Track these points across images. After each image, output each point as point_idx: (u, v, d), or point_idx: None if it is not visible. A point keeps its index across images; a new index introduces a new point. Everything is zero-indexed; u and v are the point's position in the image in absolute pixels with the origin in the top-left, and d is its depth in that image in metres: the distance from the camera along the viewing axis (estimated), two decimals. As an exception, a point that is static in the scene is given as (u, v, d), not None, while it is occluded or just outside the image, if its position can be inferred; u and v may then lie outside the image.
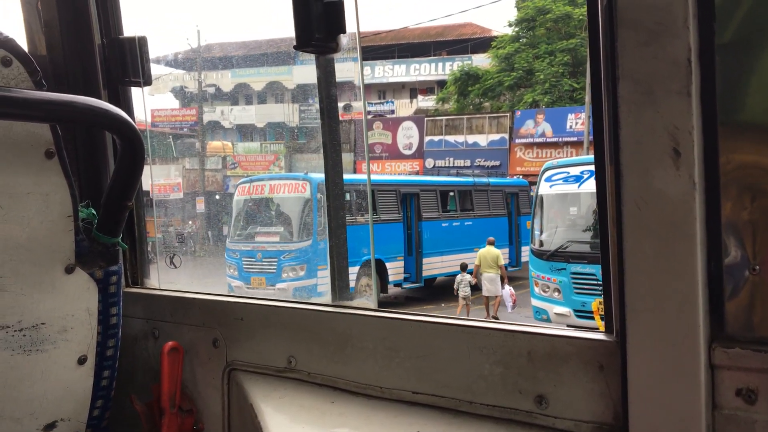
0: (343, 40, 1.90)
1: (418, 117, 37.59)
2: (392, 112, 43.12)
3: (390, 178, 26.15)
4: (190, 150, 37.99)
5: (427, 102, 43.23)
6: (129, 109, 2.32)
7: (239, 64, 45.44)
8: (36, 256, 1.71)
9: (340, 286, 1.98)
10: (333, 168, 2.01)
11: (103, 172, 2.23)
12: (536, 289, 14.50)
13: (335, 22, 1.88)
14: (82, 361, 1.85)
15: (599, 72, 1.34)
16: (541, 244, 14.65)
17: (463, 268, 18.06)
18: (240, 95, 47.93)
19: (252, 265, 18.60)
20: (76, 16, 2.20)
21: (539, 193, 14.96)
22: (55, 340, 1.78)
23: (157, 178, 31.28)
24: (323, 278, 17.22)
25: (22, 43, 1.88)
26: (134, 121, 1.85)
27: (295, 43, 1.87)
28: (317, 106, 2.09)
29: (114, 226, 1.86)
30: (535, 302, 14.63)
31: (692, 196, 1.18)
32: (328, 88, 1.99)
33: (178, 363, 2.06)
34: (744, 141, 1.23)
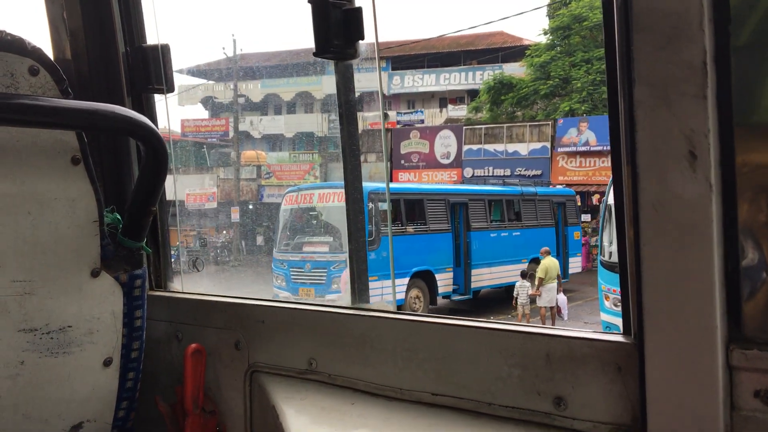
0: (362, 46, 1.92)
1: (457, 126, 36.90)
2: (422, 121, 42.75)
3: (439, 187, 25.53)
4: (224, 160, 38.32)
5: (457, 111, 42.85)
6: (152, 116, 2.36)
7: (270, 75, 45.79)
8: (63, 260, 1.75)
9: (359, 288, 1.99)
10: (352, 173, 2.02)
11: (127, 177, 2.27)
12: (606, 303, 13.40)
13: (354, 28, 1.90)
14: (107, 363, 1.88)
15: (615, 76, 1.33)
16: (611, 255, 13.61)
17: (523, 275, 17.57)
18: (269, 105, 48.28)
19: (300, 275, 17.88)
20: (100, 25, 2.25)
21: (608, 202, 14.05)
22: (82, 342, 1.81)
23: (193, 188, 31.62)
24: (375, 290, 16.23)
25: (48, 50, 1.93)
26: (158, 128, 1.88)
27: (314, 50, 1.90)
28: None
29: (138, 230, 1.89)
30: (605, 317, 13.56)
31: (709, 198, 1.18)
32: (346, 94, 2.01)
33: (201, 365, 2.09)
34: (760, 143, 1.22)
